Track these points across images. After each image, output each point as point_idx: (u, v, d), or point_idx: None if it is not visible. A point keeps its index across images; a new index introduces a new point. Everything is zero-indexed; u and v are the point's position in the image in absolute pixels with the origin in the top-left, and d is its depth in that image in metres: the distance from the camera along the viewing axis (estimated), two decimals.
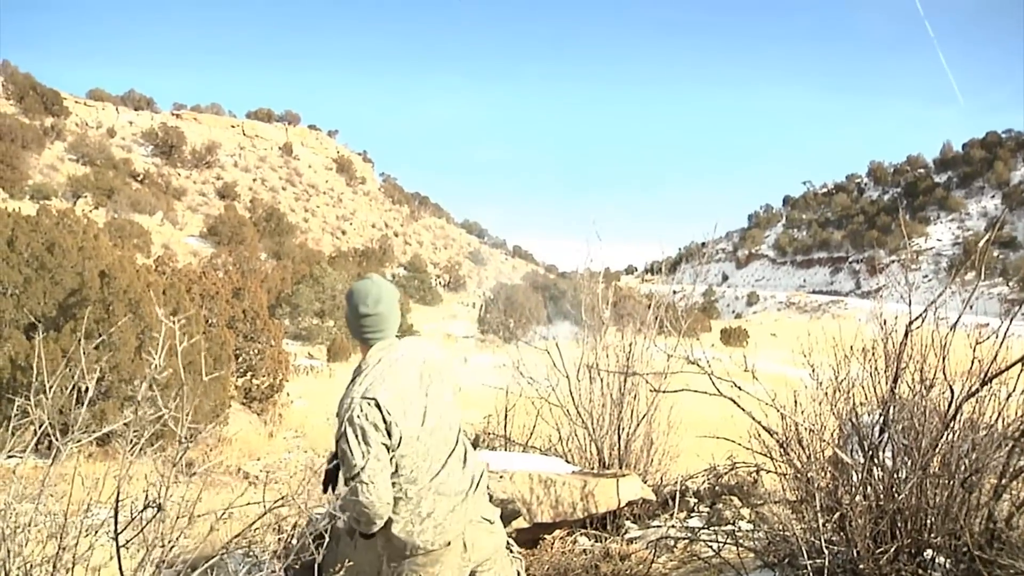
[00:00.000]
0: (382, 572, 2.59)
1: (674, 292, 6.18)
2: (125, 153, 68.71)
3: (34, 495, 2.20)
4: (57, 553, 2.08)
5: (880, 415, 3.18)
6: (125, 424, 2.26)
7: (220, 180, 75.88)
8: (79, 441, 2.19)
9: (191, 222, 58.22)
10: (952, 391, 2.94)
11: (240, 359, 14.99)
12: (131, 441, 2.18)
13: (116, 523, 2.00)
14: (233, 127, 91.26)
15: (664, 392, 4.72)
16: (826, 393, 3.47)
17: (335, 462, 2.53)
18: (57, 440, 2.13)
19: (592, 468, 5.06)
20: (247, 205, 68.80)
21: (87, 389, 2.32)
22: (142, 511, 2.07)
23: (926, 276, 72.78)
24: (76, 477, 2.28)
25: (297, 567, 2.29)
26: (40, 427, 2.20)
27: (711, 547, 3.84)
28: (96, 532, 2.27)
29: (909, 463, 2.96)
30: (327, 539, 2.61)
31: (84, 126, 71.88)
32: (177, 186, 67.89)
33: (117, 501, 2.00)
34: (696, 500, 4.90)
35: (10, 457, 2.53)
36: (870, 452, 3.08)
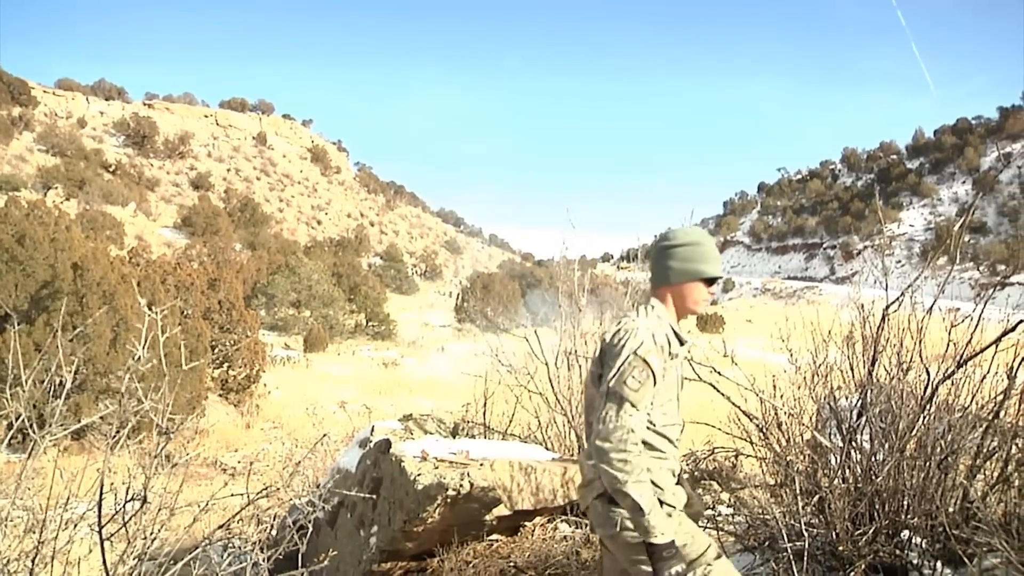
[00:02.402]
0: None
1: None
2: (96, 144, 67.67)
3: (9, 490, 2.17)
4: (36, 547, 2.06)
5: (858, 398, 3.21)
6: (104, 417, 2.24)
7: (194, 170, 75.02)
8: (56, 435, 2.16)
9: (165, 213, 57.52)
10: (928, 374, 2.98)
11: (216, 350, 14.87)
12: (113, 433, 2.16)
13: (100, 516, 1.97)
14: (206, 117, 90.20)
15: None
16: (804, 377, 3.50)
17: None
18: (35, 434, 2.10)
19: (572, 455, 5.07)
20: (221, 195, 68.16)
21: (62, 382, 2.29)
22: (125, 503, 2.04)
23: (899, 261, 73.47)
24: (53, 471, 2.25)
25: (280, 557, 2.27)
26: (16, 421, 2.16)
27: None
28: (75, 526, 2.24)
29: (887, 446, 3.00)
30: (309, 530, 2.58)
31: (53, 116, 70.74)
32: (150, 177, 67.03)
33: (101, 494, 1.97)
34: None
35: None
36: (848, 435, 3.12)
